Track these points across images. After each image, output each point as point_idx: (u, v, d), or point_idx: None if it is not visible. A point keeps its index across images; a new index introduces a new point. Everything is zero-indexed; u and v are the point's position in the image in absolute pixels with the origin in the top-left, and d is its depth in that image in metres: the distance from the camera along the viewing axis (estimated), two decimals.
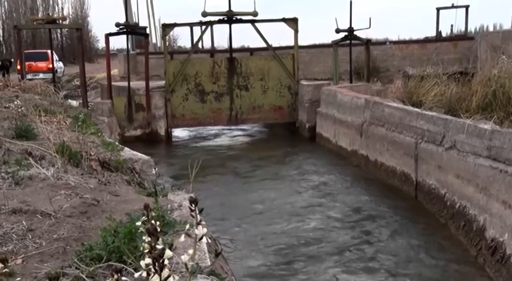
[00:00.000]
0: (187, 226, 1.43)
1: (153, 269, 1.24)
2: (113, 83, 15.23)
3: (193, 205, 1.46)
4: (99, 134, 7.20)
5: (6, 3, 48.51)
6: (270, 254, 6.49)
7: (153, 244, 1.29)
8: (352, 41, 15.82)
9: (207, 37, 22.03)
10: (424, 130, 8.23)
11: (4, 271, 1.48)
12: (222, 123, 15.67)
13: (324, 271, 6.00)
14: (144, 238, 1.47)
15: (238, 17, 15.01)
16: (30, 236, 3.04)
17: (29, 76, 17.25)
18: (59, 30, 45.94)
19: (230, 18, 14.98)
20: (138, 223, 1.67)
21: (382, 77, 18.92)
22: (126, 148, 6.32)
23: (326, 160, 11.92)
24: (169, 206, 3.72)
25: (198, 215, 1.47)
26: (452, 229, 7.03)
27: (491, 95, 8.56)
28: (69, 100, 13.90)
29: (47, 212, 3.35)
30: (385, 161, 9.78)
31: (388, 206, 8.35)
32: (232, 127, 16.41)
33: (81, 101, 14.14)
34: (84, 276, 2.52)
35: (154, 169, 5.16)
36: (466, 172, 6.78)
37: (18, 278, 1.59)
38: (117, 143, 6.76)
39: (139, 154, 6.09)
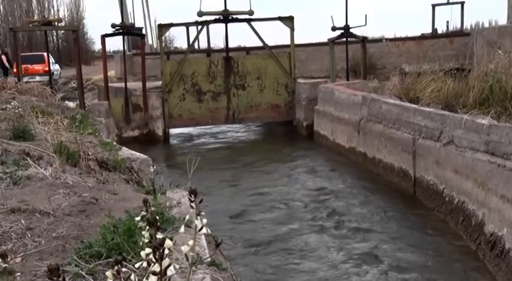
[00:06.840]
0: (187, 217, 1.42)
1: (153, 259, 1.24)
2: (109, 84, 15.21)
3: (192, 196, 1.45)
4: (96, 134, 7.18)
5: (1, 6, 48.47)
6: (268, 252, 6.49)
7: (152, 234, 1.29)
8: (349, 39, 15.83)
9: (203, 37, 22.04)
10: (421, 126, 8.24)
11: (4, 266, 1.48)
12: (219, 122, 15.65)
13: (323, 267, 6.01)
14: (143, 233, 1.46)
15: (234, 16, 14.98)
16: (29, 235, 3.04)
17: (25, 79, 17.18)
18: (55, 33, 45.92)
19: (226, 17, 14.96)
20: (138, 218, 1.67)
21: (378, 74, 18.92)
22: (124, 148, 6.31)
23: (324, 158, 11.91)
24: (168, 203, 3.71)
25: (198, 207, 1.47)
26: (451, 224, 7.04)
27: (488, 90, 8.55)
28: (66, 102, 13.90)
29: (45, 211, 3.34)
30: (383, 157, 9.78)
31: (387, 202, 8.35)
32: (230, 126, 16.39)
33: (78, 103, 14.12)
34: (83, 273, 2.51)
35: (153, 167, 5.15)
36: (464, 167, 6.78)
37: (18, 273, 1.58)
38: (114, 143, 6.75)
39: (137, 153, 6.08)
